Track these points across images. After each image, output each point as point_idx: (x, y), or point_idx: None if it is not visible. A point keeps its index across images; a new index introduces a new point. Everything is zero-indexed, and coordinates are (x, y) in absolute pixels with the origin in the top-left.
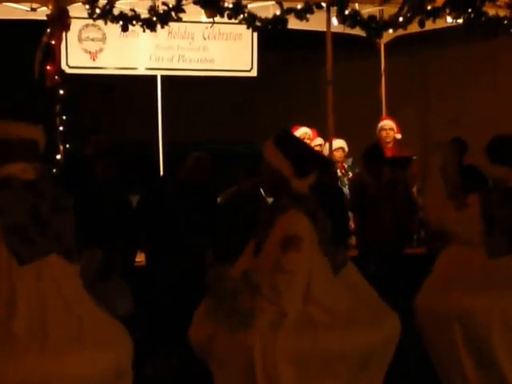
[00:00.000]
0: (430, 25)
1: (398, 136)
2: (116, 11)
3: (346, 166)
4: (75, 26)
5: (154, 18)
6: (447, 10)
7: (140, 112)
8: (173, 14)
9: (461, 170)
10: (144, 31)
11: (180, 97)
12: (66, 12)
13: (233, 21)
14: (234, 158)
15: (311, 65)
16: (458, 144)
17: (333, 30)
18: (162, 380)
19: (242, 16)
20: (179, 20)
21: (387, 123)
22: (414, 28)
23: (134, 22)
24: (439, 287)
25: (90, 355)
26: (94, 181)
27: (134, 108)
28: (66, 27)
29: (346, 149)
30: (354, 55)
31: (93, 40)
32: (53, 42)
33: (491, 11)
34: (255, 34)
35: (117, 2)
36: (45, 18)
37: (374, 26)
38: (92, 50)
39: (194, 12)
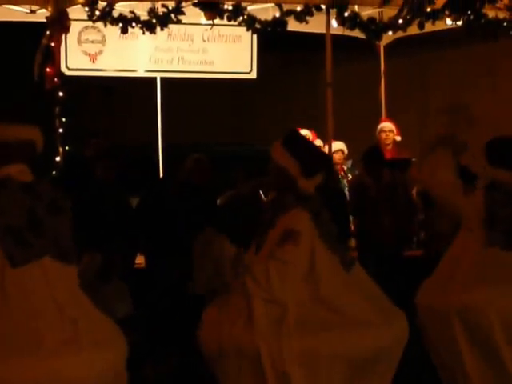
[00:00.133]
0: (429, 27)
1: (398, 138)
2: (115, 13)
3: (345, 168)
4: (75, 28)
5: (154, 20)
6: (447, 12)
7: (139, 114)
8: (172, 16)
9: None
10: (143, 33)
11: (179, 99)
12: (66, 14)
13: (232, 23)
14: (234, 159)
15: (311, 67)
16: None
17: (332, 32)
18: (162, 381)
19: (241, 18)
20: (179, 22)
21: (387, 125)
22: (413, 30)
23: (134, 24)
24: (439, 284)
25: (86, 356)
26: (94, 183)
27: (133, 110)
28: (66, 29)
29: (346, 151)
30: (354, 57)
31: (92, 42)
32: (52, 44)
33: (491, 13)
34: (255, 36)
35: (116, 4)
36: (44, 20)
37: (374, 28)
38: (91, 52)
39: (194, 14)
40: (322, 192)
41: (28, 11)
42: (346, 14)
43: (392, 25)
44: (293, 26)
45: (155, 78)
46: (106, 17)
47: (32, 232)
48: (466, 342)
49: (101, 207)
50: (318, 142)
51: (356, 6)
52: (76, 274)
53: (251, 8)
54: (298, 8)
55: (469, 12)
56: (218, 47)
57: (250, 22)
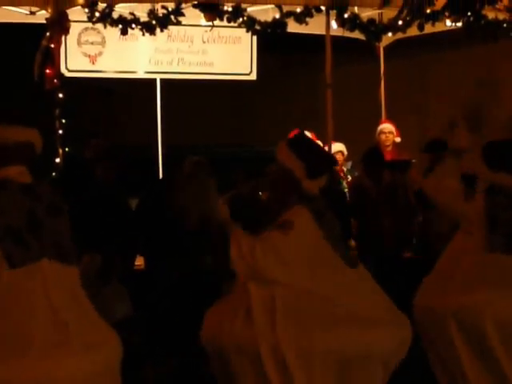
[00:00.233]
0: (429, 28)
1: (398, 139)
2: (115, 15)
3: (345, 170)
4: (74, 29)
5: (154, 22)
6: (446, 14)
7: (139, 115)
8: (172, 17)
9: None
10: (143, 35)
11: (179, 100)
12: (66, 15)
13: (232, 24)
14: (234, 161)
15: (310, 68)
16: (437, 146)
17: (332, 33)
18: (162, 381)
19: (241, 19)
20: (178, 23)
21: (386, 126)
22: (413, 31)
23: (134, 26)
24: (436, 285)
25: (76, 359)
26: (94, 184)
27: (133, 111)
28: (66, 31)
29: (345, 152)
30: (354, 59)
31: (92, 43)
32: (52, 46)
33: (490, 14)
34: (254, 38)
35: (116, 6)
36: (44, 21)
37: (374, 29)
38: (91, 53)
39: (194, 15)
40: (324, 193)
41: (28, 12)
42: (345, 16)
43: (392, 26)
44: (293, 27)
45: (155, 80)
46: (106, 18)
47: (31, 233)
48: (462, 343)
49: (100, 208)
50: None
51: (356, 8)
52: (76, 274)
53: (251, 9)
54: (298, 9)
55: (469, 13)
56: (217, 48)
57: (250, 24)
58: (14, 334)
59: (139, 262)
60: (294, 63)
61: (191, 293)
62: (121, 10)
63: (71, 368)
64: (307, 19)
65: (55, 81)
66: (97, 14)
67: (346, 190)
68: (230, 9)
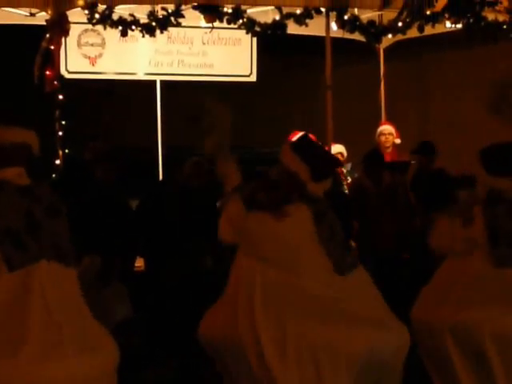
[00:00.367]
0: (429, 30)
1: (398, 141)
2: (115, 16)
3: (344, 171)
4: (74, 31)
5: (154, 23)
6: (446, 15)
7: (139, 117)
8: (172, 19)
9: (430, 174)
10: (143, 36)
11: (179, 101)
12: (65, 17)
13: (232, 26)
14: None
15: (310, 70)
16: (427, 148)
17: (332, 35)
18: (162, 383)
19: (241, 21)
20: (178, 25)
21: (386, 128)
22: (413, 33)
23: (134, 27)
24: (434, 299)
25: (68, 362)
26: (94, 185)
27: (133, 113)
28: (65, 32)
29: (345, 154)
30: (354, 60)
31: (92, 45)
32: (52, 47)
33: (490, 16)
34: (254, 39)
35: (116, 7)
36: (44, 22)
37: (373, 30)
38: (91, 55)
39: (194, 17)
40: (327, 195)
41: (28, 14)
42: (345, 17)
43: (392, 28)
44: (292, 28)
45: (155, 81)
46: (106, 20)
47: (30, 235)
48: (459, 357)
49: (100, 210)
50: None
51: (356, 9)
52: (75, 276)
53: (251, 11)
54: (298, 11)
55: (468, 15)
56: (217, 50)
57: (250, 25)
58: (7, 335)
59: (139, 263)
60: (294, 65)
61: (191, 294)
62: (121, 11)
63: (62, 370)
64: (307, 21)
65: (55, 82)
66: (97, 16)
67: (346, 191)
68: (229, 10)
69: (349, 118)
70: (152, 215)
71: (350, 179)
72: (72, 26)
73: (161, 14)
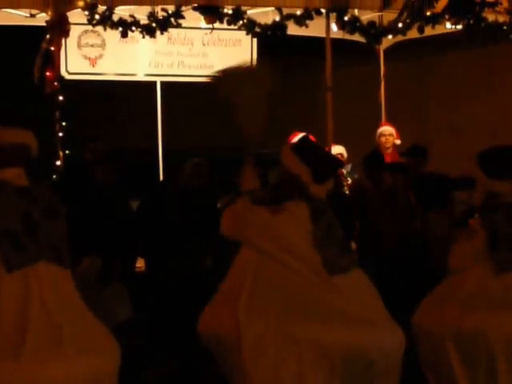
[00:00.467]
0: (429, 31)
1: (398, 142)
2: (115, 17)
3: (344, 172)
4: (74, 32)
5: (154, 24)
6: (446, 16)
7: (139, 118)
8: (172, 20)
9: (422, 177)
10: (143, 37)
11: (179, 103)
12: (66, 18)
13: (232, 27)
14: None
15: (310, 71)
16: (417, 151)
17: (332, 35)
18: (163, 383)
19: (241, 22)
20: (179, 26)
21: (386, 129)
22: (413, 34)
23: (134, 28)
24: (437, 305)
25: (67, 362)
26: (94, 186)
27: (133, 114)
28: (66, 33)
29: (345, 155)
30: (354, 61)
31: (92, 46)
32: (52, 48)
33: (490, 17)
34: (255, 40)
35: (116, 8)
36: (44, 23)
37: (374, 31)
38: (91, 56)
39: (194, 18)
40: (328, 196)
41: (28, 15)
42: (345, 18)
43: (392, 29)
44: (293, 30)
45: (155, 82)
46: (106, 21)
47: (28, 236)
48: (460, 364)
49: (101, 211)
50: None
51: (356, 10)
52: (72, 277)
53: (251, 12)
54: (298, 12)
55: (469, 16)
56: (217, 51)
57: (250, 26)
58: (6, 336)
59: (140, 264)
60: (294, 66)
61: (192, 294)
62: (121, 12)
63: (61, 370)
64: (307, 22)
65: (55, 83)
66: (97, 17)
67: (347, 192)
68: (230, 11)
69: (349, 119)
70: (152, 216)
71: (350, 180)
72: (72, 26)
73: (161, 14)
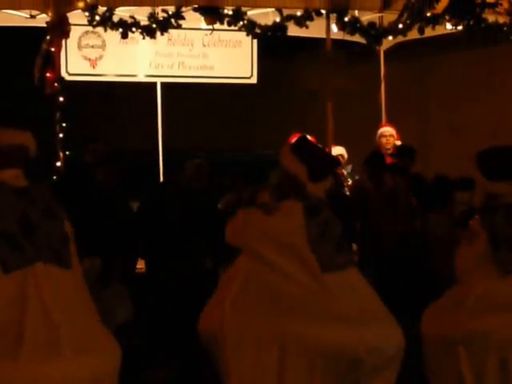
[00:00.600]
0: (429, 31)
1: (398, 142)
2: (116, 18)
3: (345, 173)
4: (75, 33)
5: (154, 25)
6: (447, 17)
7: (140, 119)
8: (172, 21)
9: (411, 177)
10: (144, 38)
11: (180, 104)
12: (66, 19)
13: (232, 28)
14: (234, 164)
15: None
16: (404, 151)
17: (332, 36)
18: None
19: (241, 23)
20: (179, 27)
21: (387, 130)
22: (413, 35)
23: (134, 29)
24: (445, 310)
25: (67, 362)
26: (94, 187)
27: (133, 115)
28: (66, 34)
29: (346, 156)
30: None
31: (92, 47)
32: (52, 49)
33: (491, 18)
34: (255, 41)
35: (116, 9)
36: (44, 24)
37: (374, 32)
38: (92, 57)
39: (194, 19)
40: (329, 197)
41: (28, 16)
42: (346, 19)
43: (392, 29)
44: (293, 30)
45: (155, 83)
46: (106, 22)
47: (26, 237)
48: (469, 371)
49: (101, 211)
50: None
51: (356, 11)
52: (73, 277)
53: (251, 13)
54: (298, 13)
55: (469, 16)
56: (218, 52)
57: (250, 27)
58: (4, 336)
59: (140, 265)
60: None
61: (192, 294)
62: (121, 13)
63: (59, 370)
64: (307, 23)
65: (56, 84)
66: (97, 18)
67: (347, 193)
68: (230, 12)
69: (349, 120)
70: (152, 216)
71: (350, 181)
72: (72, 27)
73: (161, 15)
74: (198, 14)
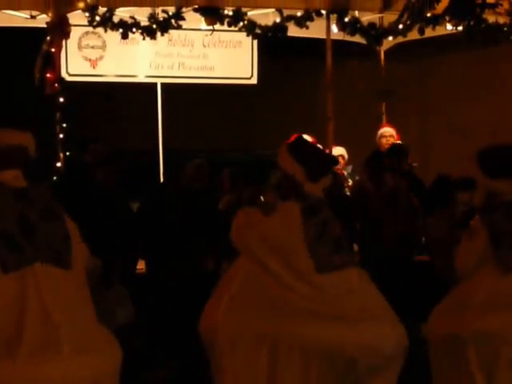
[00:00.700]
0: (429, 32)
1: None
2: (116, 19)
3: (345, 174)
4: (75, 33)
5: (154, 26)
6: (447, 18)
7: (140, 119)
8: (173, 21)
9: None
10: (144, 39)
11: (180, 104)
12: (66, 19)
13: (233, 28)
14: (234, 165)
15: (311, 72)
16: (395, 150)
17: (333, 37)
18: None
19: (241, 23)
20: (179, 27)
21: (387, 130)
22: (413, 35)
23: (134, 30)
24: (451, 311)
25: (66, 362)
26: (94, 187)
27: (134, 115)
28: (66, 35)
29: (346, 156)
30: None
31: (93, 47)
32: (53, 50)
33: (491, 18)
34: (255, 42)
35: (117, 10)
36: (45, 25)
37: (374, 33)
38: (92, 57)
39: (194, 19)
40: (328, 197)
41: (28, 17)
42: (346, 20)
43: (392, 30)
44: (293, 31)
45: (156, 84)
46: (107, 22)
47: (25, 238)
48: (480, 373)
49: (101, 211)
50: None
51: (356, 12)
52: (73, 278)
53: (251, 13)
54: (299, 13)
55: (469, 17)
56: (218, 53)
57: (251, 28)
58: (2, 336)
59: (140, 265)
60: (295, 67)
61: (192, 295)
62: (121, 13)
63: (58, 370)
64: (308, 23)
65: (56, 85)
66: (97, 18)
67: (348, 193)
68: (230, 13)
69: (349, 121)
70: (152, 216)
71: (350, 182)
72: (73, 28)
73: (161, 16)
74: (198, 15)
